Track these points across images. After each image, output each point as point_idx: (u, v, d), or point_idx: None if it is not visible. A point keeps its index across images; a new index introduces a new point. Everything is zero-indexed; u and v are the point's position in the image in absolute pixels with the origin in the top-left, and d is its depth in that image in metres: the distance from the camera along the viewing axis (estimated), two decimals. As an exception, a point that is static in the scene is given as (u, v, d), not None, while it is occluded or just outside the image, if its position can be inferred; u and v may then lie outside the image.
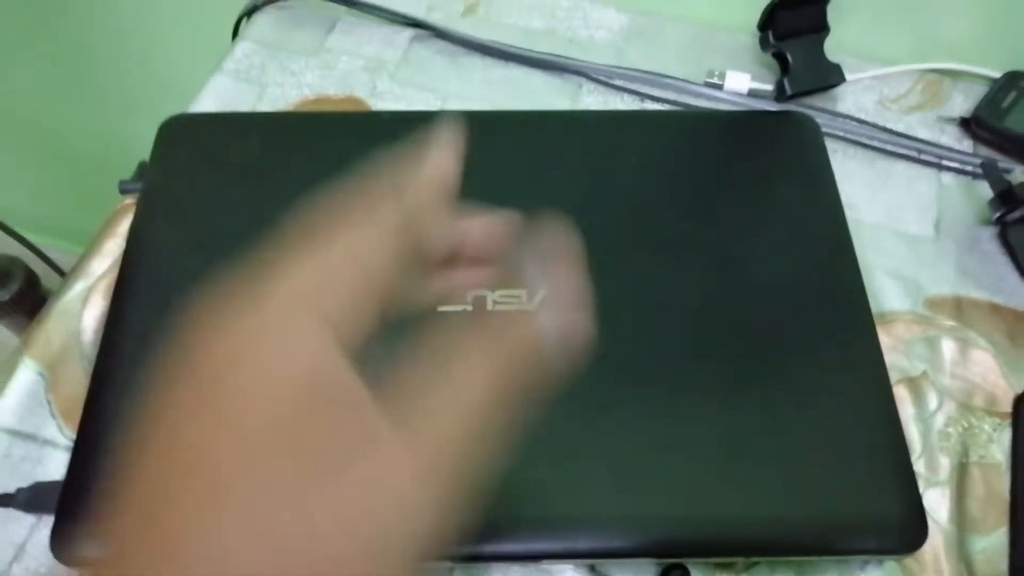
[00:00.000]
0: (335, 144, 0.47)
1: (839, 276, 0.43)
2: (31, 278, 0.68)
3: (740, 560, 0.38)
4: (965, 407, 0.43)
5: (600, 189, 0.46)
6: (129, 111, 0.72)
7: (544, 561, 0.37)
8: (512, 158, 0.47)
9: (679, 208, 0.45)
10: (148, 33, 0.74)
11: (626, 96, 0.54)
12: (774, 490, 0.37)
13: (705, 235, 0.44)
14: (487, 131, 0.48)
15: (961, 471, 0.41)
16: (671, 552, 0.37)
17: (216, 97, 0.53)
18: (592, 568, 0.38)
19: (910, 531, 0.37)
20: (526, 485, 0.37)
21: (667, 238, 0.44)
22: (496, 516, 0.36)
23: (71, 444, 0.39)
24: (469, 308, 0.41)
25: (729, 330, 0.41)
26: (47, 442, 0.40)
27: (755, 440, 0.38)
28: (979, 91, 0.54)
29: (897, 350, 0.45)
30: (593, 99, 0.54)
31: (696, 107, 0.53)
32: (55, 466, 0.39)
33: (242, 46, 0.56)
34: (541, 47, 0.55)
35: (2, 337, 1.18)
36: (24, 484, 0.38)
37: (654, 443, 0.38)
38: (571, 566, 0.38)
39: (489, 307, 0.41)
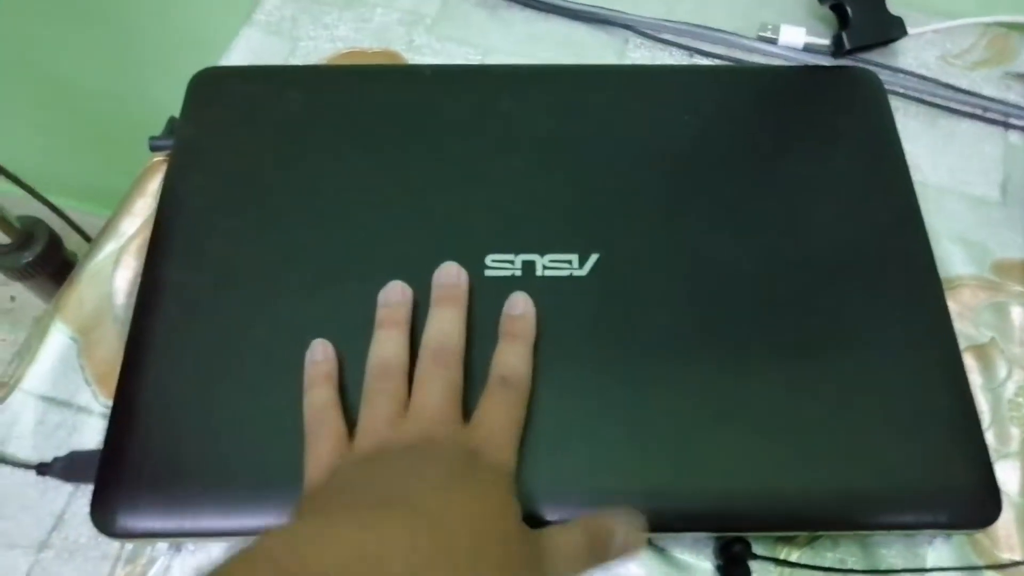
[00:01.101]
0: (373, 98, 0.44)
1: (905, 240, 0.41)
2: (54, 240, 0.66)
3: (803, 534, 0.37)
4: (1036, 377, 0.41)
5: (651, 148, 0.43)
6: (155, 67, 0.70)
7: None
8: (557, 115, 0.44)
9: (736, 169, 0.43)
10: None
11: (674, 51, 0.51)
12: (839, 462, 0.35)
13: (765, 197, 0.42)
14: (530, 86, 0.46)
15: (1033, 443, 0.39)
16: (732, 526, 0.36)
17: (247, 51, 0.50)
18: (649, 542, 0.37)
19: (983, 505, 0.35)
20: (581, 458, 0.35)
21: (726, 200, 0.41)
22: (552, 490, 0.34)
23: (106, 411, 0.37)
24: (519, 273, 0.39)
25: (791, 296, 0.39)
26: (82, 409, 0.39)
27: (819, 411, 0.36)
28: (1048, 46, 0.51)
29: (964, 317, 0.42)
30: (640, 54, 0.51)
31: (748, 62, 0.51)
32: (91, 434, 0.38)
33: (272, -2, 0.53)
34: (586, 1, 0.52)
35: (26, 299, 1.17)
36: (60, 452, 0.37)
37: (714, 414, 0.36)
38: (628, 540, 0.37)
39: (539, 272, 0.39)
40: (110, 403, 0.37)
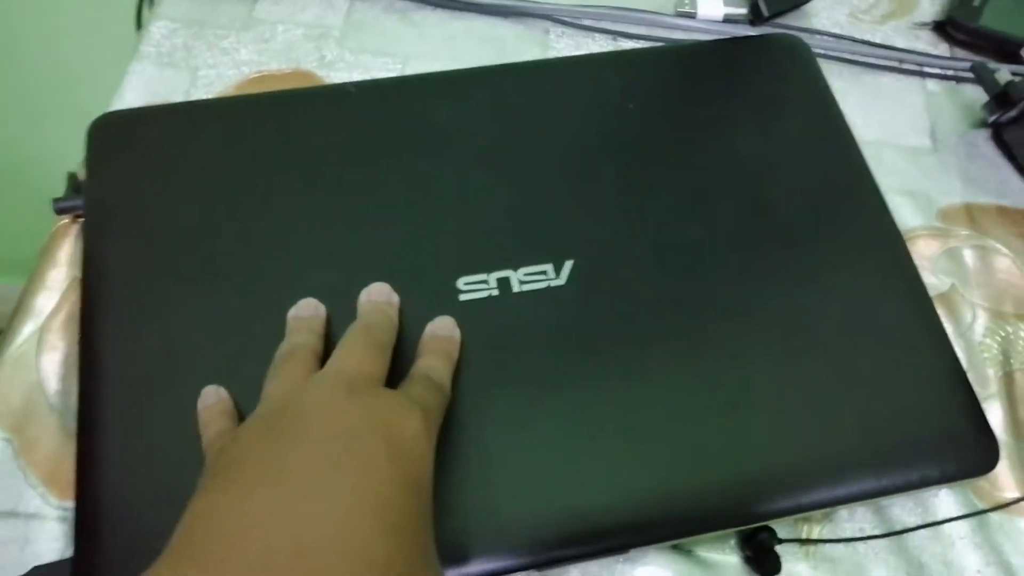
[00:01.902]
0: (297, 126, 0.41)
1: (862, 198, 0.42)
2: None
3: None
4: (998, 315, 0.42)
5: (599, 141, 0.42)
6: (40, 120, 0.62)
7: (631, 549, 0.34)
8: (496, 120, 0.42)
9: (689, 149, 0.42)
10: (45, 29, 0.63)
11: (597, 36, 0.50)
12: (841, 435, 0.35)
13: (721, 172, 0.41)
14: (460, 92, 0.43)
15: (1008, 380, 0.41)
16: (752, 517, 0.35)
17: (142, 88, 0.45)
18: (675, 547, 0.36)
19: (983, 450, 0.36)
20: (588, 472, 0.34)
21: (684, 184, 0.41)
22: (552, 505, 0.33)
23: (63, 513, 0.33)
24: (495, 292, 0.37)
25: (764, 272, 0.39)
26: (32, 516, 0.34)
27: (812, 386, 0.36)
28: (947, -7, 0.53)
29: (923, 268, 0.43)
30: (563, 43, 0.50)
31: (672, 40, 0.50)
32: (47, 542, 0.33)
33: (158, 26, 0.48)
34: (495, -8, 0.50)
35: None
36: (19, 572, 0.32)
37: (714, 405, 0.35)
38: (653, 549, 0.35)
39: (516, 288, 0.37)
40: (66, 504, 0.32)
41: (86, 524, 0.31)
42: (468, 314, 0.36)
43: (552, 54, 0.49)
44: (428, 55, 0.48)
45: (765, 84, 0.45)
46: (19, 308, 0.38)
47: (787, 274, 0.39)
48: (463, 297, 0.37)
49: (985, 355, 0.41)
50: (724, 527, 0.35)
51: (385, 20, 0.50)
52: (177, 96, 0.45)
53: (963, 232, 0.45)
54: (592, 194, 0.40)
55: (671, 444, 0.35)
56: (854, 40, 0.51)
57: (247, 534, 0.24)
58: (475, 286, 0.37)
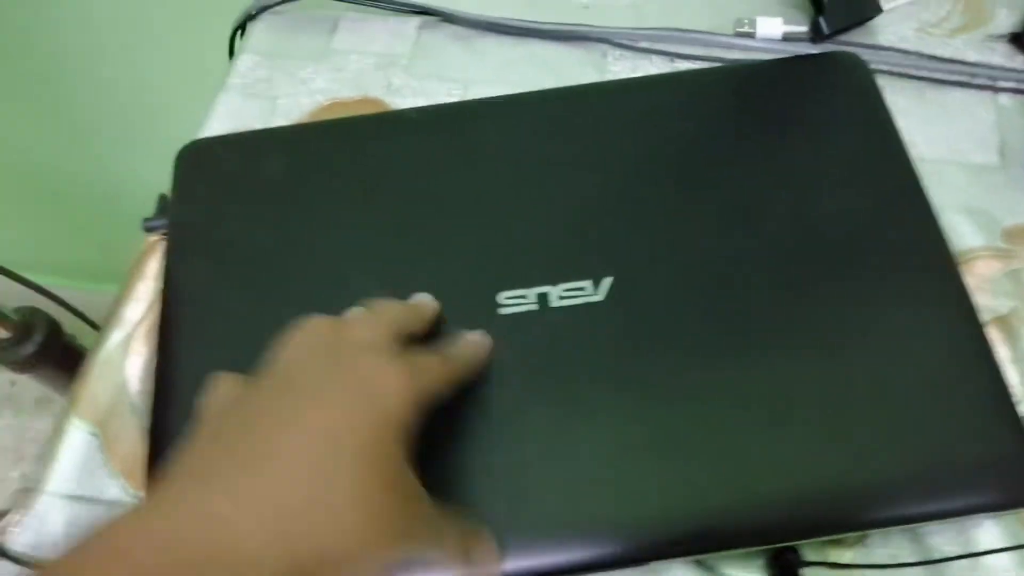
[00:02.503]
0: (361, 150, 0.44)
1: (913, 219, 0.41)
2: (53, 328, 0.66)
3: (852, 535, 0.36)
4: (1062, 341, 0.40)
5: (648, 161, 0.43)
6: (137, 144, 0.70)
7: (655, 561, 0.35)
8: (548, 141, 0.44)
9: (737, 169, 0.42)
10: (140, 62, 0.71)
11: (654, 58, 0.51)
12: (877, 457, 0.35)
13: (770, 195, 0.41)
14: (517, 115, 0.46)
15: (1068, 408, 0.39)
16: (779, 536, 0.35)
17: (227, 117, 0.50)
18: (699, 563, 0.36)
19: (1027, 480, 0.35)
20: (627, 485, 0.35)
21: (731, 203, 0.41)
22: (598, 523, 0.34)
23: (139, 503, 0.37)
24: (535, 307, 0.39)
25: (810, 291, 0.39)
26: (113, 504, 0.38)
27: (850, 406, 0.36)
28: (1023, 2, 0.51)
29: (981, 289, 0.42)
30: (620, 66, 0.51)
31: (729, 60, 0.51)
32: (125, 528, 0.37)
33: (244, 60, 0.53)
34: (555, 17, 0.52)
35: (26, 383, 1.16)
36: (98, 553, 0.36)
37: (749, 422, 0.36)
38: (678, 563, 0.36)
39: (554, 303, 0.38)
40: (142, 495, 0.36)
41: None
42: (507, 328, 0.38)
43: (609, 77, 0.51)
44: (488, 80, 0.51)
45: (818, 103, 0.45)
46: (111, 316, 0.43)
47: (830, 294, 0.39)
48: (503, 311, 0.39)
49: (1045, 383, 0.40)
50: (749, 545, 0.35)
51: (449, 48, 0.52)
52: (258, 124, 0.50)
53: (1029, 253, 0.43)
54: (636, 212, 0.41)
55: (702, 459, 0.35)
56: (920, 55, 0.50)
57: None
58: (515, 300, 0.39)
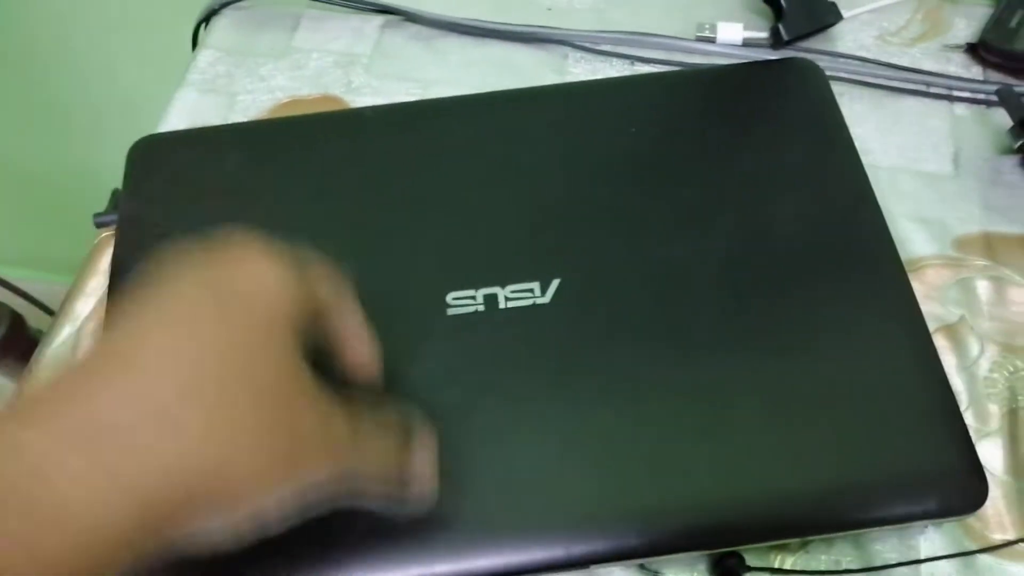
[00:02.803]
0: (316, 147, 0.44)
1: (862, 225, 0.41)
2: (16, 320, 0.66)
3: (795, 540, 0.37)
4: (1008, 349, 0.41)
5: (603, 163, 0.43)
6: (98, 138, 0.69)
7: (595, 565, 0.35)
8: (502, 142, 0.44)
9: (688, 173, 0.42)
10: (106, 54, 0.70)
11: (615, 61, 0.51)
12: (821, 463, 0.35)
13: (720, 199, 0.41)
14: (475, 115, 0.45)
15: (1012, 417, 0.39)
16: (721, 541, 0.35)
17: (184, 113, 0.50)
18: (642, 567, 0.36)
19: (970, 489, 0.35)
20: (568, 487, 0.35)
21: (681, 206, 0.41)
22: (539, 525, 0.34)
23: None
24: (481, 308, 0.39)
25: (756, 296, 0.39)
26: (54, 501, 0.38)
27: (796, 412, 0.36)
28: (982, 14, 0.51)
29: (931, 297, 0.42)
30: (581, 68, 0.51)
31: (690, 64, 0.51)
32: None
33: (204, 55, 0.53)
34: (518, 19, 0.52)
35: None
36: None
37: (691, 427, 0.36)
38: (619, 567, 0.36)
39: (501, 304, 0.38)
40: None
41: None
42: (455, 328, 0.38)
43: (569, 79, 0.51)
44: (449, 81, 0.51)
45: (774, 109, 0.45)
46: (61, 311, 0.43)
47: (777, 299, 0.39)
48: (451, 311, 0.39)
49: (990, 390, 0.40)
50: (691, 549, 0.35)
51: (411, 48, 0.52)
52: (216, 121, 0.49)
53: (979, 262, 0.43)
54: (587, 216, 0.42)
55: (644, 462, 0.35)
56: (878, 63, 0.50)
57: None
58: (464, 301, 0.39)
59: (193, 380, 0.23)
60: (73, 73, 0.72)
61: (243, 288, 0.26)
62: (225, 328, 0.24)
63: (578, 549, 0.34)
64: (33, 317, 0.72)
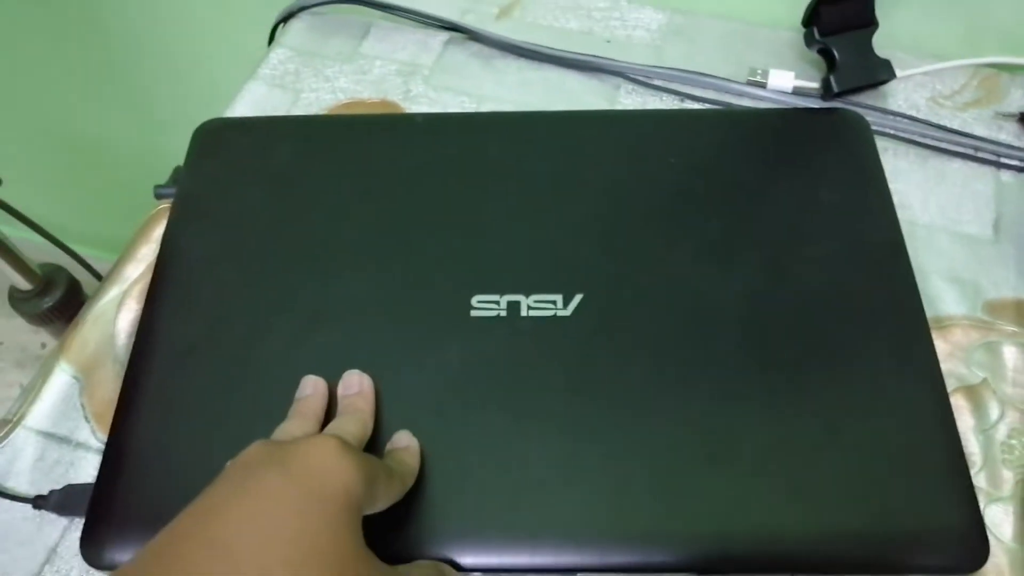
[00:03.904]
0: (366, 146, 0.46)
1: (891, 279, 0.41)
2: (73, 286, 0.69)
3: (787, 576, 0.37)
4: (1030, 417, 0.40)
5: (640, 190, 0.44)
6: (168, 121, 0.73)
7: (582, 574, 0.36)
8: (544, 159, 0.46)
9: (722, 209, 0.43)
10: (185, 43, 0.74)
11: (665, 96, 0.52)
12: (823, 504, 0.35)
13: (751, 237, 0.42)
14: (523, 132, 0.47)
15: (1026, 485, 0.38)
16: (714, 568, 0.35)
17: (251, 103, 0.53)
18: (631, 583, 0.37)
19: (970, 548, 0.35)
20: (567, 496, 0.35)
21: (711, 241, 0.42)
22: (534, 528, 0.35)
23: (104, 447, 0.39)
24: (504, 313, 0.40)
25: (775, 336, 0.39)
26: (80, 445, 0.40)
27: (803, 453, 0.36)
28: (1039, 86, 0.51)
29: (955, 357, 0.42)
30: (631, 100, 0.53)
31: (737, 106, 0.52)
32: (88, 470, 0.39)
33: (277, 53, 0.56)
34: (578, 49, 0.54)
35: (51, 343, 1.20)
36: (57, 487, 0.38)
37: (698, 456, 0.36)
38: (609, 581, 0.37)
39: (523, 312, 0.40)
40: (105, 439, 0.38)
41: (110, 461, 0.37)
42: (476, 330, 0.39)
43: (617, 108, 0.52)
44: (501, 98, 0.52)
45: (814, 156, 0.46)
46: (112, 273, 0.45)
47: (796, 342, 0.39)
48: (474, 313, 0.40)
49: (1006, 456, 0.39)
50: (682, 571, 0.35)
51: (471, 64, 0.54)
52: (279, 112, 0.52)
53: (1009, 328, 0.43)
54: (617, 238, 0.43)
55: (642, 484, 0.36)
56: (927, 123, 0.50)
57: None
58: (487, 305, 0.40)
59: (274, 559, 0.25)
60: (152, 57, 0.76)
61: (315, 470, 0.28)
62: (301, 507, 0.27)
63: (568, 559, 0.35)
64: (90, 288, 0.75)
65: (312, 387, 0.37)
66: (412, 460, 0.35)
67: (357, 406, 0.37)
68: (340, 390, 0.37)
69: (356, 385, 0.37)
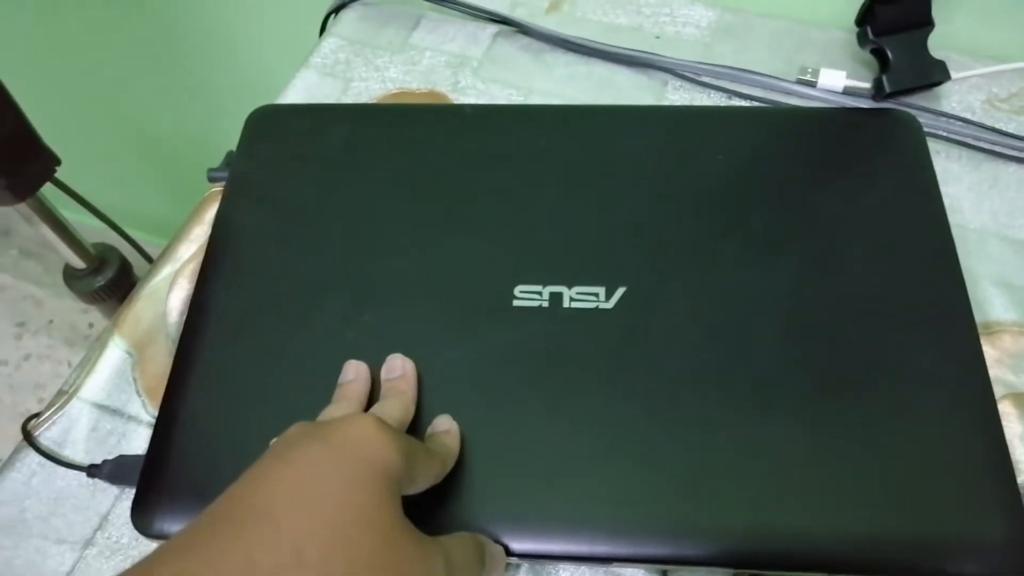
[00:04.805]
0: (414, 134, 0.47)
1: (939, 282, 0.41)
2: (125, 266, 0.71)
3: (824, 576, 0.36)
4: (1078, 426, 0.39)
5: (684, 186, 0.44)
6: (220, 107, 0.75)
7: (615, 564, 0.36)
8: (591, 152, 0.46)
9: (769, 208, 0.43)
10: (238, 31, 0.76)
11: (713, 93, 0.52)
12: (865, 505, 0.35)
13: (797, 237, 0.42)
14: (570, 124, 0.47)
15: (1073, 494, 0.38)
16: (747, 563, 0.35)
17: (303, 90, 0.54)
18: (664, 573, 0.37)
19: (1014, 554, 0.34)
20: (603, 486, 0.36)
21: (757, 239, 0.42)
22: (569, 516, 0.35)
23: (153, 421, 0.40)
24: (546, 304, 0.40)
25: (821, 335, 0.39)
26: (132, 418, 0.41)
27: (845, 452, 0.36)
28: (1100, 90, 0.50)
29: (1003, 363, 0.42)
30: (679, 96, 0.52)
31: (786, 105, 0.51)
32: (139, 441, 0.40)
33: (329, 42, 0.57)
34: (627, 44, 0.54)
35: (98, 323, 1.23)
36: (110, 457, 0.39)
37: (738, 450, 0.36)
38: (643, 570, 0.37)
39: (566, 303, 0.40)
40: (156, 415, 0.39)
41: (161, 433, 0.38)
42: (518, 319, 0.40)
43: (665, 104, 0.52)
44: (550, 92, 0.53)
45: (864, 156, 0.45)
46: (165, 253, 0.47)
47: (841, 343, 0.39)
48: (517, 303, 0.40)
49: (1053, 464, 0.39)
50: (714, 564, 0.35)
51: (520, 57, 0.55)
52: (329, 100, 0.53)
53: (1060, 335, 0.42)
54: (662, 233, 0.43)
55: (679, 477, 0.36)
56: (981, 126, 0.49)
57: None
58: (530, 295, 0.40)
59: (318, 523, 0.26)
60: (208, 45, 0.78)
61: (355, 442, 0.29)
62: (343, 476, 0.28)
63: (602, 548, 0.35)
64: (141, 270, 0.77)
65: (355, 372, 0.38)
66: (453, 443, 0.36)
67: (400, 388, 0.37)
68: (383, 373, 0.38)
69: (399, 369, 0.38)
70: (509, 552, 0.35)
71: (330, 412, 0.35)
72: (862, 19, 0.50)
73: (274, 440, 0.31)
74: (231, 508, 0.27)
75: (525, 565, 0.37)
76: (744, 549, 0.35)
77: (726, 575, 0.36)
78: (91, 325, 1.36)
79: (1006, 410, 0.40)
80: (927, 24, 0.49)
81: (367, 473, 0.28)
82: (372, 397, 0.37)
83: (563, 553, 0.35)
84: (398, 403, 0.36)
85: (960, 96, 0.51)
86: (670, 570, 0.37)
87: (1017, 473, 0.37)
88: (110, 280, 0.69)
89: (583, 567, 0.37)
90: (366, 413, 0.32)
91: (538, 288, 0.41)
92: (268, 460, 0.29)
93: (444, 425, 0.37)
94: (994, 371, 0.40)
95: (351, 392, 0.37)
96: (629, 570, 0.37)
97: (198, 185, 0.49)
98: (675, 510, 0.35)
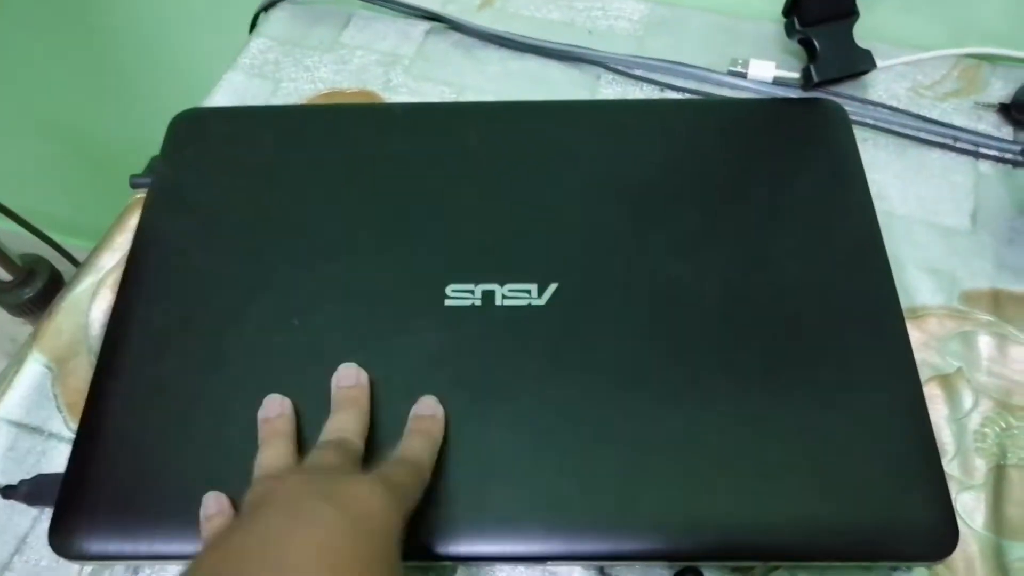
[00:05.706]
0: (344, 136, 0.46)
1: (866, 269, 0.41)
2: (55, 277, 0.69)
3: (758, 565, 0.37)
4: (1003, 406, 0.40)
5: (614, 180, 0.44)
6: (148, 110, 0.73)
7: (550, 563, 0.36)
8: (521, 149, 0.46)
9: (699, 199, 0.43)
10: (166, 31, 0.74)
11: (645, 86, 0.52)
12: (794, 493, 0.35)
13: (727, 226, 0.42)
14: (501, 121, 0.47)
15: (998, 474, 0.39)
16: (684, 556, 0.35)
17: (230, 93, 0.52)
18: (601, 570, 0.37)
19: (940, 536, 0.35)
20: (536, 485, 0.35)
21: (688, 231, 0.42)
22: (503, 517, 0.35)
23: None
24: (478, 303, 0.40)
25: (751, 325, 0.39)
26: (52, 435, 0.40)
27: (775, 441, 0.36)
28: (1019, 76, 0.51)
29: (929, 346, 0.42)
30: (611, 90, 0.52)
31: (717, 96, 0.52)
32: (60, 460, 0.39)
33: (257, 42, 0.55)
34: (560, 40, 0.54)
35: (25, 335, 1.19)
36: (28, 477, 0.38)
37: (668, 442, 0.36)
38: (579, 567, 0.37)
39: (498, 301, 0.40)
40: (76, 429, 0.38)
41: (81, 449, 0.37)
42: (450, 319, 0.39)
43: (597, 99, 0.52)
44: (482, 88, 0.52)
45: (791, 145, 0.46)
46: (86, 262, 0.45)
47: (769, 330, 0.39)
48: (448, 303, 0.40)
49: (979, 444, 0.39)
50: (651, 559, 0.35)
51: (452, 54, 0.54)
52: (258, 103, 0.52)
53: (984, 317, 0.43)
54: (595, 228, 0.42)
55: (613, 470, 0.36)
56: (907, 113, 0.50)
57: None
58: (462, 294, 0.40)
59: None
60: (132, 46, 0.76)
61: (365, 511, 0.30)
62: (354, 541, 0.29)
63: (537, 547, 0.35)
64: (70, 276, 0.75)
65: (279, 407, 0.36)
66: (435, 430, 0.36)
67: (354, 397, 0.37)
68: (335, 381, 0.37)
69: (353, 378, 0.37)
70: (444, 557, 0.34)
71: (268, 457, 0.34)
72: (789, 9, 0.50)
73: (259, 476, 0.32)
74: (248, 562, 0.27)
75: (461, 568, 0.37)
76: (680, 542, 0.35)
77: (663, 568, 0.36)
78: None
79: (933, 392, 0.41)
80: (852, 14, 0.50)
81: (375, 539, 0.29)
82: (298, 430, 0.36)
83: (498, 554, 0.35)
84: (356, 416, 0.36)
85: (886, 84, 0.52)
86: (607, 566, 0.37)
87: (943, 454, 0.38)
88: (39, 291, 0.67)
89: (520, 567, 0.37)
90: (372, 479, 0.31)
91: (470, 287, 0.40)
92: (279, 517, 0.29)
93: (428, 410, 0.37)
94: (921, 354, 0.40)
95: (281, 428, 0.36)
96: (566, 568, 0.37)
97: (125, 191, 0.48)
98: (609, 506, 0.35)
